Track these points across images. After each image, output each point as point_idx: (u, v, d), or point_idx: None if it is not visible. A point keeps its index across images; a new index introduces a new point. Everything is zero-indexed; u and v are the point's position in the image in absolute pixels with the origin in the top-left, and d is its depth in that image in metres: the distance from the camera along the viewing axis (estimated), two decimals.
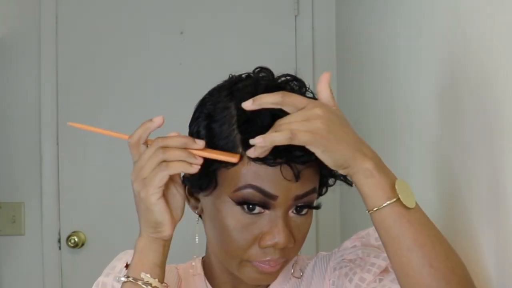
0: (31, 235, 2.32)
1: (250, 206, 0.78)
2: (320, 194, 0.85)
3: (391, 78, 1.40)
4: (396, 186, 0.72)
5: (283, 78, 0.83)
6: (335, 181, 0.84)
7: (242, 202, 0.78)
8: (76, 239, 2.31)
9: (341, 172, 0.73)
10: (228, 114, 0.78)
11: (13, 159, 2.32)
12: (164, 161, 0.73)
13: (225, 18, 2.36)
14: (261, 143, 0.70)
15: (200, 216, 0.87)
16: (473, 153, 0.84)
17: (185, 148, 0.74)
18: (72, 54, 2.34)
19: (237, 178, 0.77)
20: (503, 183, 0.74)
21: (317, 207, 0.82)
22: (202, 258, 0.94)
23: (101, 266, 0.95)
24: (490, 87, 0.77)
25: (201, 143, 0.75)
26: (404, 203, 0.72)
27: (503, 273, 0.76)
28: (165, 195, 0.75)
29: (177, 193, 0.78)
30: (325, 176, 0.83)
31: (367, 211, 0.73)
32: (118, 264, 0.88)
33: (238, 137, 0.76)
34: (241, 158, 0.76)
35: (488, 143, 0.78)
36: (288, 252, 0.81)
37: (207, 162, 0.76)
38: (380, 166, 0.73)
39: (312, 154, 0.75)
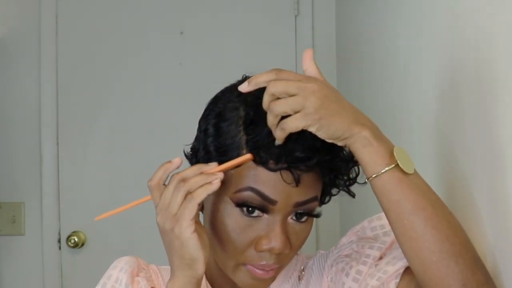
0: (31, 235, 2.32)
1: (250, 208, 0.78)
2: (323, 203, 0.85)
3: (391, 78, 1.41)
4: (395, 153, 0.73)
5: None
6: (338, 191, 0.84)
7: (241, 204, 0.78)
8: (76, 239, 2.31)
9: (339, 143, 0.73)
10: (236, 114, 0.78)
11: (13, 159, 2.32)
12: (188, 192, 0.74)
13: (225, 18, 2.36)
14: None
15: (201, 211, 0.87)
16: (473, 153, 0.84)
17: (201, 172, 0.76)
18: (72, 54, 2.34)
19: (239, 179, 0.78)
20: (504, 185, 0.74)
21: (317, 215, 0.82)
22: None
23: (101, 266, 0.95)
24: (490, 87, 0.77)
25: (213, 164, 0.76)
26: (403, 168, 0.72)
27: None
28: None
29: (203, 233, 0.78)
30: (328, 184, 0.82)
31: (366, 180, 0.74)
32: (113, 273, 0.87)
33: (243, 138, 0.77)
34: (253, 156, 0.76)
35: (488, 143, 0.78)
36: (284, 258, 0.82)
37: (213, 159, 0.78)
38: (378, 135, 0.74)
39: (314, 159, 0.75)
